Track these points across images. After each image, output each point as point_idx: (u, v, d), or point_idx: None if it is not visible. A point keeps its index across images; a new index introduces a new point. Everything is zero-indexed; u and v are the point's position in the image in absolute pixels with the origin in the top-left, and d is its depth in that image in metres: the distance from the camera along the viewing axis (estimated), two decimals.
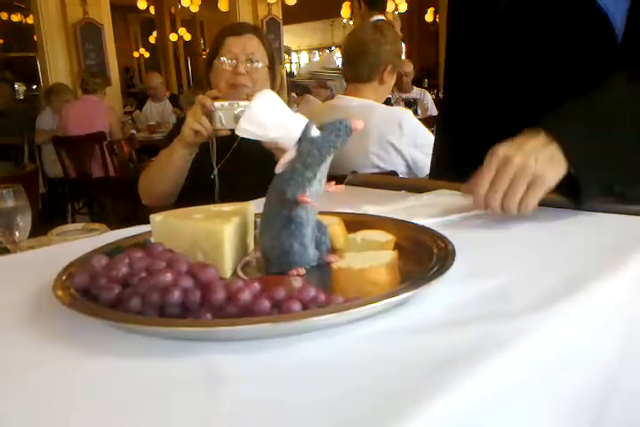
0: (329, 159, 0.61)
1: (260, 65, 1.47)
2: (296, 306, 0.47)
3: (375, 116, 1.86)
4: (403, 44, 1.97)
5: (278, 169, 0.61)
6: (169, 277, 0.48)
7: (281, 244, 0.60)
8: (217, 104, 1.22)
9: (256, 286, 0.48)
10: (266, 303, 0.47)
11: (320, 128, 0.60)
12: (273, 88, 1.51)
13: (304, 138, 0.59)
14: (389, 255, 0.56)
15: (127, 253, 0.53)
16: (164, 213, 0.66)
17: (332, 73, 3.82)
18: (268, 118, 0.59)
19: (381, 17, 3.69)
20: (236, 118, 1.20)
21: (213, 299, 0.47)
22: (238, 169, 1.45)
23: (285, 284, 0.50)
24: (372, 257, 0.56)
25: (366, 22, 1.98)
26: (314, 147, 0.59)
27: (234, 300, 0.47)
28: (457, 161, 1.06)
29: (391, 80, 1.99)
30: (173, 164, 1.36)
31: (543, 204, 0.79)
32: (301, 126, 0.59)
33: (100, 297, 0.51)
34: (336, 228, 0.68)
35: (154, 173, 1.43)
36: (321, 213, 0.66)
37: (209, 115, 1.24)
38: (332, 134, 0.59)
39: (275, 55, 1.53)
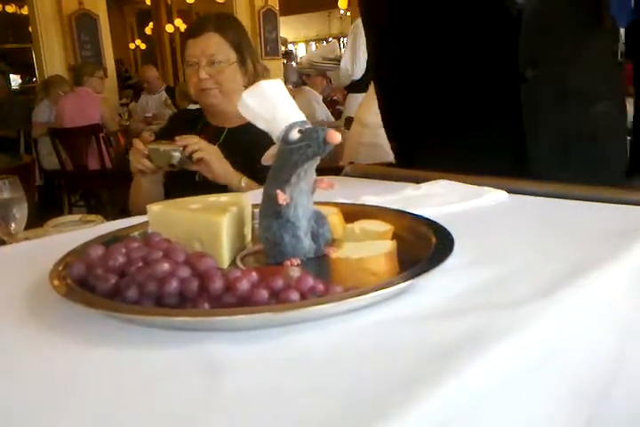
0: (309, 164, 0.58)
1: (222, 65, 1.43)
2: (294, 296, 0.47)
3: None
4: None
5: (265, 161, 0.61)
6: (166, 266, 0.48)
7: (272, 236, 0.60)
8: (151, 148, 1.29)
9: (254, 275, 0.48)
10: (264, 293, 0.46)
11: (303, 131, 0.57)
12: (248, 82, 1.46)
13: (282, 139, 0.58)
14: (388, 245, 0.56)
15: (124, 242, 0.53)
16: (161, 202, 0.66)
17: (330, 63, 3.82)
18: (259, 108, 0.59)
19: None
20: (170, 165, 1.28)
21: (211, 288, 0.47)
22: None
23: (283, 274, 0.50)
24: (370, 247, 0.56)
25: None
26: (287, 151, 0.57)
27: (232, 289, 0.47)
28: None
29: None
30: (143, 187, 1.42)
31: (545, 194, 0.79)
32: (286, 124, 0.57)
33: (96, 287, 0.50)
34: (334, 218, 0.67)
35: (133, 196, 1.48)
36: (318, 203, 0.65)
37: (147, 156, 1.31)
38: (303, 143, 0.56)
39: (244, 47, 1.47)
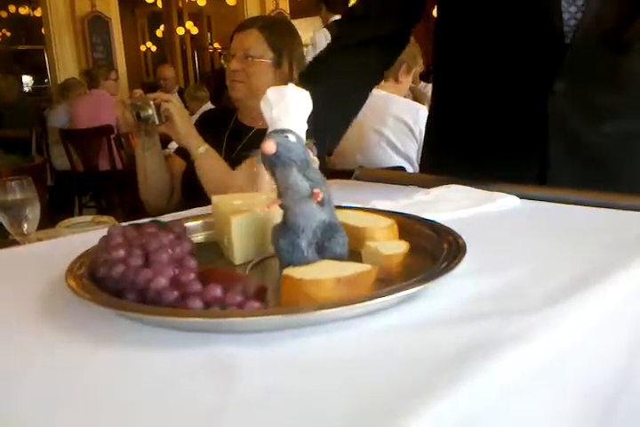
0: (291, 173, 0.57)
1: (255, 60, 1.46)
2: (196, 304, 0.47)
3: (394, 105, 1.96)
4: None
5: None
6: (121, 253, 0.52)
7: (274, 240, 0.60)
8: (129, 103, 1.37)
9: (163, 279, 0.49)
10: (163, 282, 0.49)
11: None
12: (279, 84, 1.48)
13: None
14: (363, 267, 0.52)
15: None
16: (224, 195, 0.72)
17: None
18: (276, 110, 0.59)
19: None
20: (140, 118, 1.35)
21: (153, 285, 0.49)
22: None
23: (228, 278, 0.50)
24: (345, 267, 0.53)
25: None
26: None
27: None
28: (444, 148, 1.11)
29: (406, 79, 2.08)
30: (138, 155, 1.44)
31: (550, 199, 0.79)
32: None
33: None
34: (383, 232, 0.63)
35: (141, 184, 1.49)
36: (369, 210, 0.68)
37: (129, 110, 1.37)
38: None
39: (286, 51, 1.50)
